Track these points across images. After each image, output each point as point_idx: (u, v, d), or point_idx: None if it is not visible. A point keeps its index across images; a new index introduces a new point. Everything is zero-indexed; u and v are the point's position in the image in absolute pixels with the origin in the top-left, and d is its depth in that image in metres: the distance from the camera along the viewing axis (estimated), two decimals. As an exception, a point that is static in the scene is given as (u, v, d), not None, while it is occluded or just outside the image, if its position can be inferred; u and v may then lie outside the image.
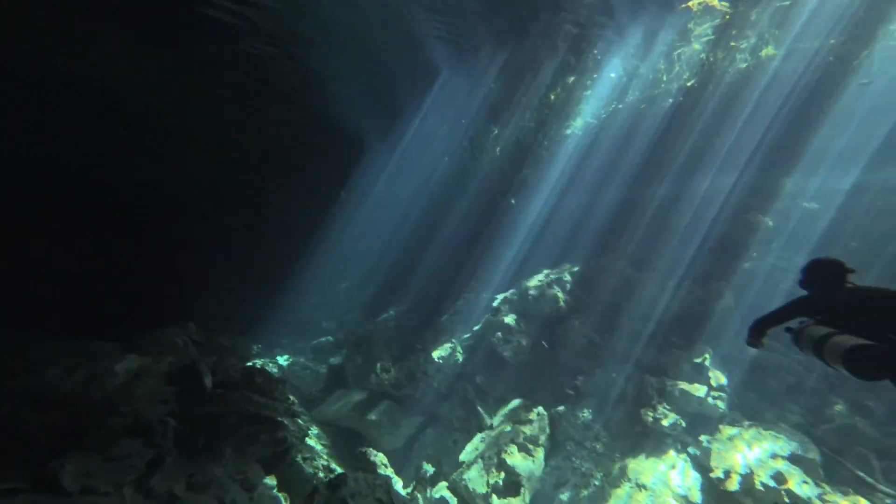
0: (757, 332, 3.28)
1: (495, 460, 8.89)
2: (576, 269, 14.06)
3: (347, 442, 10.00)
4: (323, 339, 15.61)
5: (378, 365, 11.75)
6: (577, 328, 13.32)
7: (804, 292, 3.26)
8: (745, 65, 11.39)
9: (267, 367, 10.64)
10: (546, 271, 14.33)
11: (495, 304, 13.88)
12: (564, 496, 9.02)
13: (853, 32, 10.14)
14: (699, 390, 11.04)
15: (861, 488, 8.42)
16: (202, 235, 9.29)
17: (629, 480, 9.41)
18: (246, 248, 10.46)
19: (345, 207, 14.39)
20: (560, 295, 13.72)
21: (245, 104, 9.01)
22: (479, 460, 9.03)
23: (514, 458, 9.07)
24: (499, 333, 12.83)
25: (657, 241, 12.86)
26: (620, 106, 14.01)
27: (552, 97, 13.28)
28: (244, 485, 5.38)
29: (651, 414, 10.67)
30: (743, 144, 11.65)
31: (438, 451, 10.17)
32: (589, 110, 14.88)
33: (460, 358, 12.87)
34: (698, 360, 11.83)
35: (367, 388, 11.46)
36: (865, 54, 10.18)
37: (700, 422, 10.64)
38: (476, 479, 8.52)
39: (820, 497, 8.03)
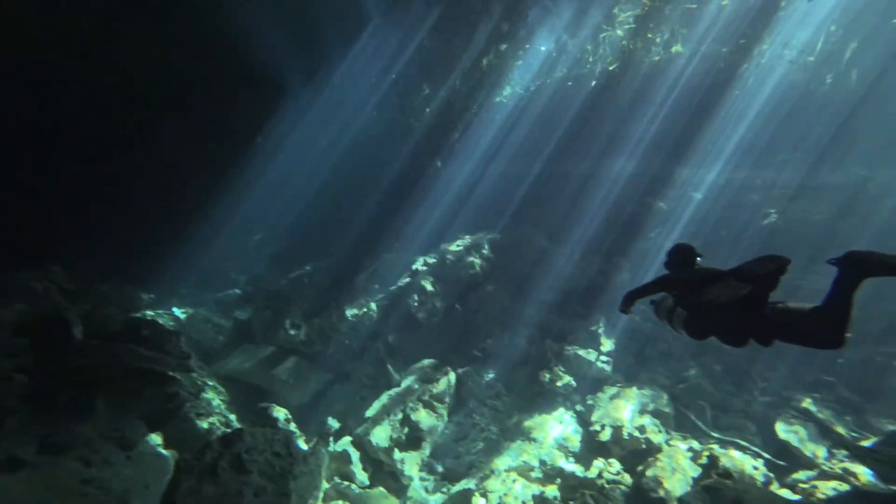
0: (627, 301, 3.86)
1: (400, 416, 9.22)
2: (494, 237, 14.55)
3: (250, 398, 9.73)
4: (230, 291, 14.73)
5: (288, 321, 11.41)
6: (491, 294, 13.97)
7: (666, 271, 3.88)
8: (657, 58, 12.23)
9: (160, 319, 9.85)
10: (466, 237, 14.67)
11: (415, 266, 14.00)
12: (462, 448, 9.66)
13: (739, 44, 11.36)
14: (591, 355, 12.24)
15: (696, 433, 10.14)
16: (82, 172, 8.07)
17: (522, 434, 10.30)
18: (139, 189, 9.32)
19: (261, 153, 13.34)
20: (477, 261, 14.20)
21: (138, 31, 7.77)
22: (385, 416, 9.30)
23: (419, 414, 9.48)
24: (415, 295, 13.03)
25: (570, 216, 13.69)
26: (549, 81, 14.34)
27: (485, 62, 13.20)
28: (120, 443, 5.02)
29: (548, 375, 11.66)
30: (649, 133, 12.64)
31: (346, 407, 10.30)
32: (519, 81, 15.05)
33: (375, 317, 12.93)
34: (594, 328, 13.06)
35: (275, 343, 11.13)
36: (746, 66, 11.54)
37: (588, 383, 11.82)
38: (380, 433, 8.80)
39: (667, 441, 9.48)
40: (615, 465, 9.31)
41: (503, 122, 15.22)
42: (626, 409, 10.40)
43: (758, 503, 6.06)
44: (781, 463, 9.07)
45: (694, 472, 8.50)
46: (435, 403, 10.03)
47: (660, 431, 10.00)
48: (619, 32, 12.70)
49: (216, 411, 7.81)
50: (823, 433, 9.57)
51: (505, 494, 8.01)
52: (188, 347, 7.19)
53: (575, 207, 13.70)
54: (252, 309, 11.96)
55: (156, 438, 5.85)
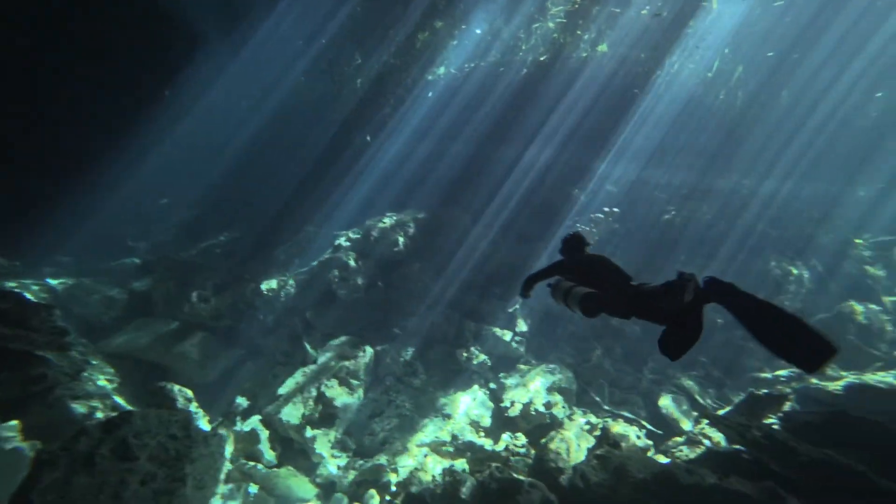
0: (527, 285, 4.14)
1: (314, 393, 9.06)
2: (420, 216, 14.55)
3: (149, 377, 8.97)
4: (126, 260, 13.28)
5: (195, 293, 10.59)
6: (414, 273, 14.02)
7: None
8: (585, 54, 12.88)
9: (26, 292, 8.63)
10: (391, 214, 14.51)
11: (337, 241, 13.60)
12: (377, 426, 9.74)
13: (653, 52, 12.39)
14: (506, 335, 12.86)
15: (594, 408, 11.18)
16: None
17: (437, 411, 10.63)
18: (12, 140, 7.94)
19: (171, 109, 11.97)
20: (402, 239, 14.13)
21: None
22: (298, 393, 9.08)
23: (334, 391, 9.37)
24: (336, 271, 12.70)
25: (494, 200, 14.05)
26: (482, 64, 14.43)
27: (420, 38, 12.91)
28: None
29: (465, 354, 12.06)
30: (571, 125, 13.33)
31: (257, 385, 9.88)
32: (453, 61, 14.97)
33: (293, 292, 12.44)
34: (511, 309, 13.70)
35: (178, 317, 10.30)
36: (658, 73, 12.65)
37: (503, 362, 12.43)
38: (292, 411, 8.58)
39: (569, 416, 10.34)
40: (521, 439, 9.96)
41: (435, 101, 15.08)
42: (534, 387, 11.11)
43: (637, 467, 6.82)
44: (659, 432, 10.30)
45: (589, 443, 9.36)
46: (351, 381, 9.98)
47: (563, 407, 10.84)
48: (551, 25, 13.11)
49: (99, 393, 7.06)
50: (693, 405, 11.00)
51: (416, 469, 8.26)
52: (66, 323, 6.38)
53: (499, 191, 14.09)
54: (152, 280, 10.91)
55: (8, 429, 5.10)
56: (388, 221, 14.37)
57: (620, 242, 14.49)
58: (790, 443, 6.17)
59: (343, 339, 11.25)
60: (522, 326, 13.31)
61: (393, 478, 8.22)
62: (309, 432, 8.48)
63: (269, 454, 8.07)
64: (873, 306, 12.47)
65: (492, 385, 11.63)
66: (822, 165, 14.83)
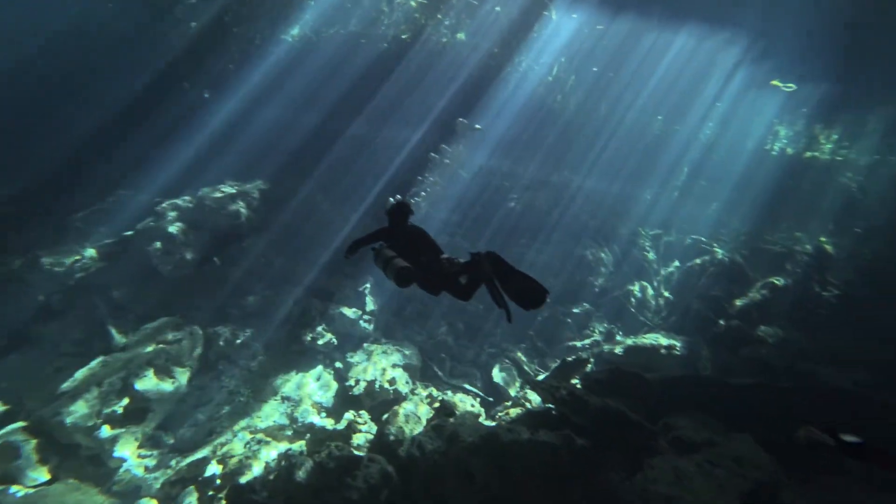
0: (351, 248, 4.30)
1: (119, 385, 7.66)
2: (265, 187, 13.31)
3: None
4: None
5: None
6: (257, 248, 12.84)
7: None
8: (445, 39, 13.24)
9: None
10: (232, 183, 12.97)
11: (159, 208, 11.60)
12: (203, 415, 8.74)
13: (505, 47, 13.51)
14: (355, 314, 12.71)
15: (435, 381, 11.88)
16: None
17: (277, 394, 10.02)
18: None
19: None
20: (244, 211, 12.77)
21: None
22: (94, 387, 7.56)
23: (147, 381, 8.06)
24: (158, 243, 10.87)
25: (349, 177, 13.61)
26: (341, 31, 13.68)
27: (273, -12, 11.58)
28: None
29: (310, 334, 11.57)
30: (429, 108, 13.64)
31: (27, 383, 7.90)
32: (309, 22, 13.86)
33: (92, 266, 10.24)
34: (361, 288, 13.55)
35: None
36: (509, 69, 13.88)
37: (350, 341, 12.25)
38: (80, 410, 7.11)
39: (412, 391, 10.78)
40: (364, 416, 10.03)
41: (288, 64, 13.78)
42: (380, 365, 11.24)
43: (468, 432, 7.41)
44: (490, 399, 11.44)
45: (428, 414, 9.88)
46: (172, 367, 8.72)
47: (407, 382, 11.22)
48: (413, 4, 13.09)
49: None
50: (520, 374, 12.48)
51: (248, 457, 7.65)
52: None
53: (354, 169, 13.69)
54: None
55: None
56: (227, 190, 12.81)
57: (471, 225, 15.47)
58: (584, 397, 7.42)
59: (164, 320, 9.74)
60: (371, 305, 13.30)
61: (219, 470, 7.48)
62: (106, 432, 7.16)
63: (37, 470, 6.53)
64: (647, 284, 15.81)
65: (337, 364, 11.42)
66: (624, 168, 18.10)
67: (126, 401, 7.61)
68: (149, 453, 7.56)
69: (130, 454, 7.21)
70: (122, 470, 7.02)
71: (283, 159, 13.53)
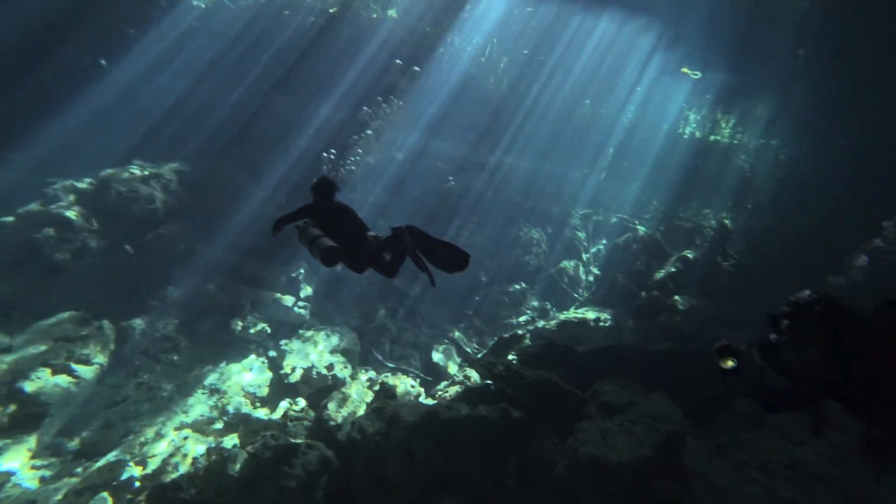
0: (276, 226, 4.19)
1: (3, 391, 6.75)
2: (184, 168, 12.22)
3: None
4: None
5: None
6: (176, 234, 11.82)
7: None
8: (375, 15, 12.75)
9: None
10: (142, 164, 11.76)
11: (50, 190, 10.25)
12: (116, 415, 8.00)
13: (436, 27, 13.35)
14: (289, 300, 12.20)
15: (375, 365, 11.82)
16: None
17: (203, 387, 9.41)
18: None
19: None
20: (159, 195, 11.69)
21: None
22: (-27, 396, 6.63)
23: (40, 383, 7.19)
24: (49, 230, 9.64)
25: (275, 156, 12.85)
26: (263, 0, 12.66)
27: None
28: None
29: (240, 323, 10.96)
30: (358, 85, 13.17)
31: None
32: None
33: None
34: (294, 274, 13.00)
35: None
36: (442, 50, 13.75)
37: (285, 328, 11.78)
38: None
39: (351, 375, 10.63)
40: (300, 404, 9.72)
41: (202, 33, 12.50)
42: (317, 351, 10.93)
43: (408, 412, 7.43)
44: (430, 379, 11.57)
45: (368, 398, 9.79)
46: (74, 367, 7.86)
47: (346, 367, 11.02)
48: (344, -22, 12.43)
49: None
50: (459, 353, 12.73)
51: (171, 455, 7.14)
52: None
53: (281, 148, 12.93)
54: None
55: None
56: (137, 172, 11.61)
57: (406, 207, 15.30)
58: (520, 370, 7.72)
59: (63, 315, 8.72)
60: (307, 291, 12.84)
61: (138, 472, 6.92)
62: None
63: None
64: (578, 262, 16.72)
65: (271, 353, 10.95)
66: (555, 150, 18.81)
67: (13, 407, 6.73)
68: (46, 462, 6.74)
69: (20, 466, 6.39)
70: (8, 485, 6.20)
71: (204, 139, 12.45)
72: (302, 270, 12.96)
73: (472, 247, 15.86)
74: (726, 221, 13.67)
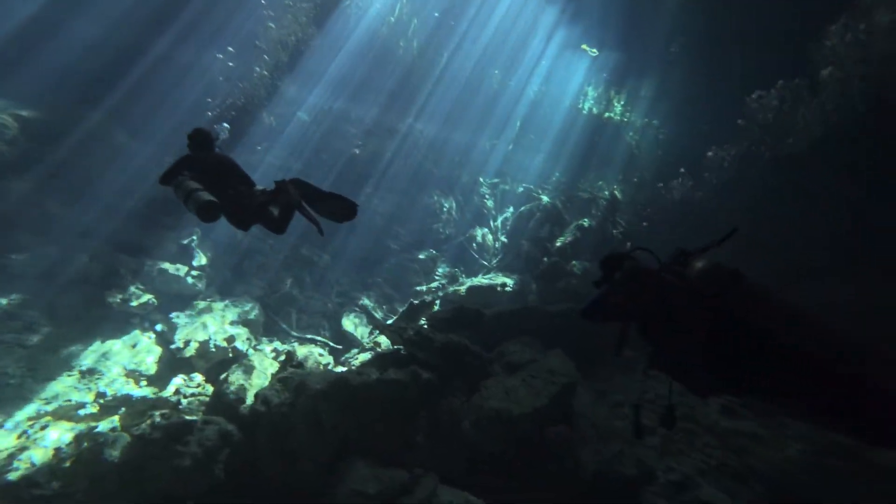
0: (164, 181, 3.84)
1: None
2: (27, 113, 10.13)
3: None
4: None
5: None
6: (25, 195, 9.91)
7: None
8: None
9: None
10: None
11: None
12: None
13: None
14: (181, 270, 11.04)
15: (282, 335, 11.34)
16: None
17: (71, 369, 8.25)
18: None
19: None
20: (-2, 145, 9.59)
21: None
22: None
23: None
24: None
25: (160, 111, 11.23)
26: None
27: None
28: None
29: (120, 296, 9.70)
30: (252, 35, 11.88)
31: None
32: None
33: None
34: (186, 241, 11.73)
35: None
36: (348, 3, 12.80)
37: (176, 300, 10.72)
38: None
39: (254, 347, 10.08)
40: (196, 379, 9.04)
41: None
42: (214, 323, 10.14)
43: (316, 381, 7.26)
44: (339, 347, 11.40)
45: (274, 368, 9.37)
46: None
47: (248, 339, 10.39)
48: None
49: None
50: (370, 320, 12.65)
51: (23, 449, 6.19)
52: None
53: (167, 101, 11.30)
54: None
55: None
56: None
57: (312, 172, 14.41)
58: (430, 335, 7.90)
59: None
60: (202, 259, 11.71)
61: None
62: None
63: None
64: (486, 230, 17.34)
65: (160, 327, 9.93)
66: (465, 117, 18.94)
67: None
68: None
69: None
70: None
71: (59, 80, 10.34)
72: (195, 237, 11.75)
73: (383, 214, 15.59)
74: (617, 193, 15.06)
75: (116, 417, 7.27)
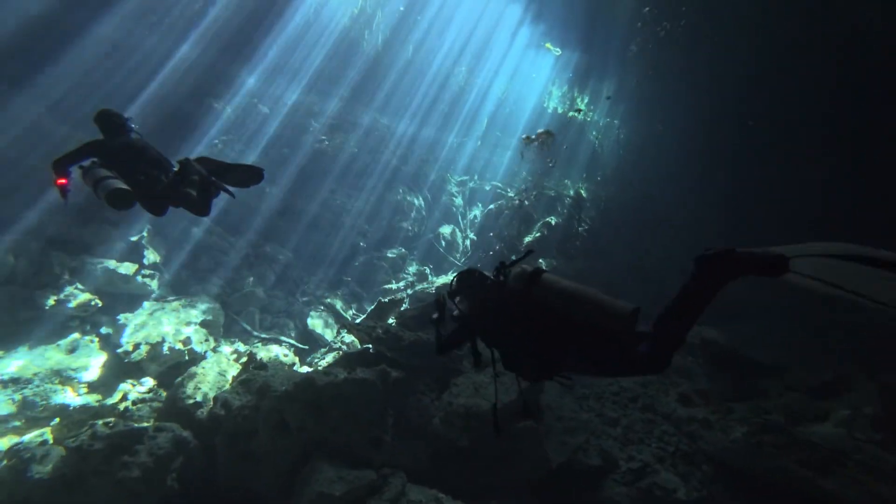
0: (57, 168, 3.62)
1: None
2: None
3: None
4: None
5: None
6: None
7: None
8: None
9: None
10: None
11: None
12: None
13: None
14: (129, 269, 10.30)
15: (243, 336, 10.81)
16: None
17: (-10, 379, 7.48)
18: None
19: None
20: None
21: None
22: None
23: None
24: None
25: (95, 94, 10.39)
26: None
27: None
28: None
29: (53, 296, 8.92)
30: (206, 19, 11.25)
31: None
32: None
33: None
34: (135, 238, 10.98)
35: None
36: None
37: (123, 300, 10.00)
38: None
39: (214, 349, 9.54)
40: (147, 384, 8.46)
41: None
42: (168, 324, 9.53)
43: (280, 382, 6.92)
44: (305, 347, 10.99)
45: (235, 371, 8.89)
46: None
47: (206, 340, 9.82)
48: None
49: None
50: (337, 319, 12.29)
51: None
52: None
53: (111, 81, 10.49)
54: None
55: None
56: None
57: (274, 167, 13.83)
58: (399, 333, 7.70)
59: None
60: (154, 258, 10.99)
61: None
62: None
63: None
64: (455, 227, 17.28)
65: (104, 330, 9.22)
66: (432, 113, 18.80)
67: None
68: None
69: None
70: None
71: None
72: (145, 234, 11.00)
73: (350, 212, 15.18)
74: (581, 191, 15.35)
75: (48, 430, 6.61)
